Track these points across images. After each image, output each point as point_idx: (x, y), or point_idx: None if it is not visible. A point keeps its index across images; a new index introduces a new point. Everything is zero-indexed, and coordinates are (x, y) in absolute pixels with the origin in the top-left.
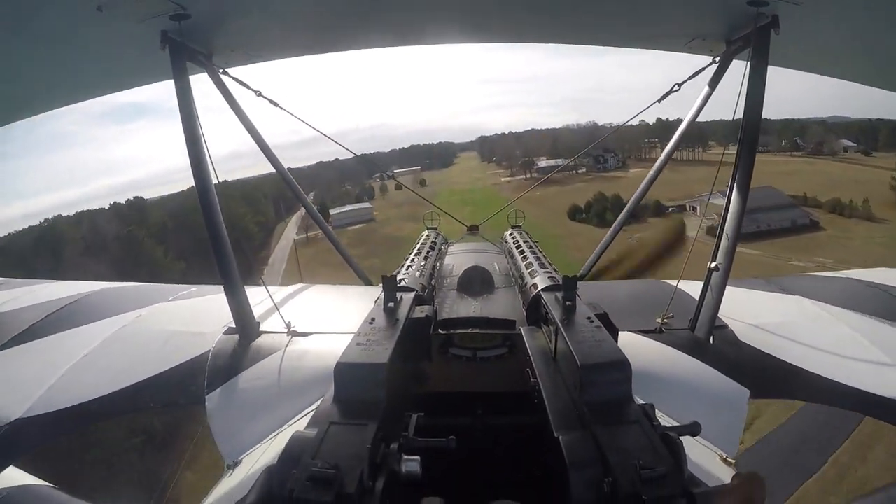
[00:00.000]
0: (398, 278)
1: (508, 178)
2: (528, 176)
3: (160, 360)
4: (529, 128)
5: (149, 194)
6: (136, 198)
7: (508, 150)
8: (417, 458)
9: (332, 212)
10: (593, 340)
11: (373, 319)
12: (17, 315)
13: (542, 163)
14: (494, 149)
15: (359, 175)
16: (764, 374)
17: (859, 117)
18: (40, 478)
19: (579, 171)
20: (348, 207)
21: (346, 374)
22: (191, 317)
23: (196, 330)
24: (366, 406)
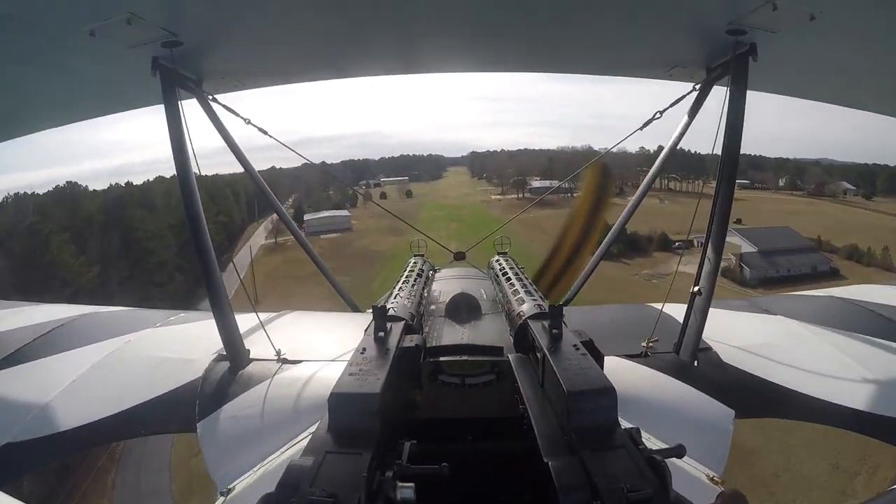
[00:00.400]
0: (387, 307)
1: (499, 197)
2: (521, 196)
3: (150, 387)
4: (522, 147)
5: (93, 183)
6: (68, 183)
7: (500, 168)
8: (412, 485)
9: (306, 217)
10: (579, 368)
11: (364, 349)
12: (4, 338)
13: (536, 183)
14: (485, 165)
15: (344, 181)
16: (748, 395)
17: (849, 161)
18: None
19: (575, 195)
20: (324, 214)
21: (341, 403)
22: (180, 343)
23: (186, 356)
24: (360, 435)
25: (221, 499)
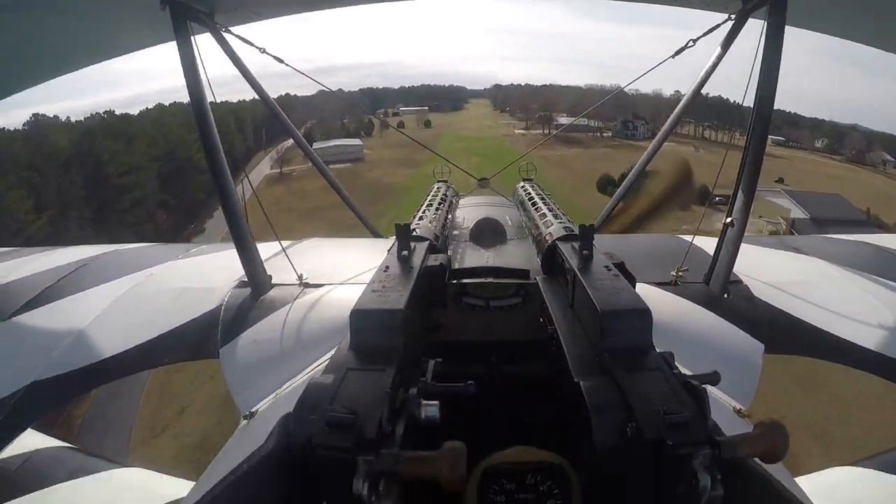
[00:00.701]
0: (411, 228)
1: (523, 131)
2: (547, 132)
3: (172, 317)
4: (549, 83)
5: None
6: (34, 116)
7: (524, 102)
8: (436, 403)
9: (315, 146)
10: (612, 288)
11: (387, 267)
12: (28, 282)
13: (563, 119)
14: (509, 98)
15: (361, 108)
16: (778, 330)
17: (884, 131)
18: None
19: (604, 135)
20: (335, 142)
21: (363, 320)
22: (201, 273)
23: (207, 285)
24: (383, 352)
25: (244, 422)
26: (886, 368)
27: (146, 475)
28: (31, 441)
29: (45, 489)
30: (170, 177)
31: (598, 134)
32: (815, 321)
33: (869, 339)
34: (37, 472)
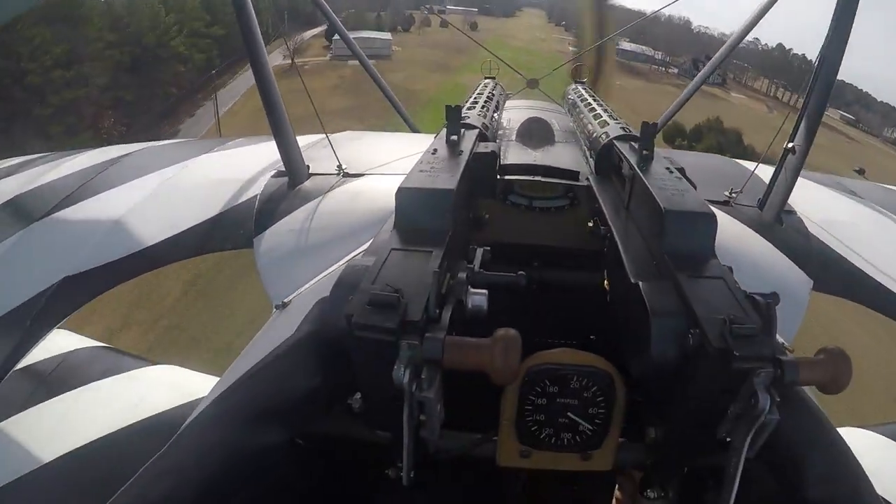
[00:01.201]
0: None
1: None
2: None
3: (208, 207)
4: (616, 1)
5: None
6: None
7: (583, 18)
8: (485, 292)
9: (334, 38)
10: (675, 189)
11: (435, 150)
12: (60, 183)
13: (626, 45)
14: (567, 12)
15: (406, 3)
16: (829, 269)
17: None
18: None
19: (670, 71)
20: (360, 34)
21: (410, 199)
22: (237, 164)
23: (243, 176)
24: (430, 233)
25: (276, 312)
26: None
27: (178, 372)
28: (66, 342)
29: (80, 387)
30: (136, 68)
31: (664, 69)
32: (865, 268)
33: None
34: (72, 372)
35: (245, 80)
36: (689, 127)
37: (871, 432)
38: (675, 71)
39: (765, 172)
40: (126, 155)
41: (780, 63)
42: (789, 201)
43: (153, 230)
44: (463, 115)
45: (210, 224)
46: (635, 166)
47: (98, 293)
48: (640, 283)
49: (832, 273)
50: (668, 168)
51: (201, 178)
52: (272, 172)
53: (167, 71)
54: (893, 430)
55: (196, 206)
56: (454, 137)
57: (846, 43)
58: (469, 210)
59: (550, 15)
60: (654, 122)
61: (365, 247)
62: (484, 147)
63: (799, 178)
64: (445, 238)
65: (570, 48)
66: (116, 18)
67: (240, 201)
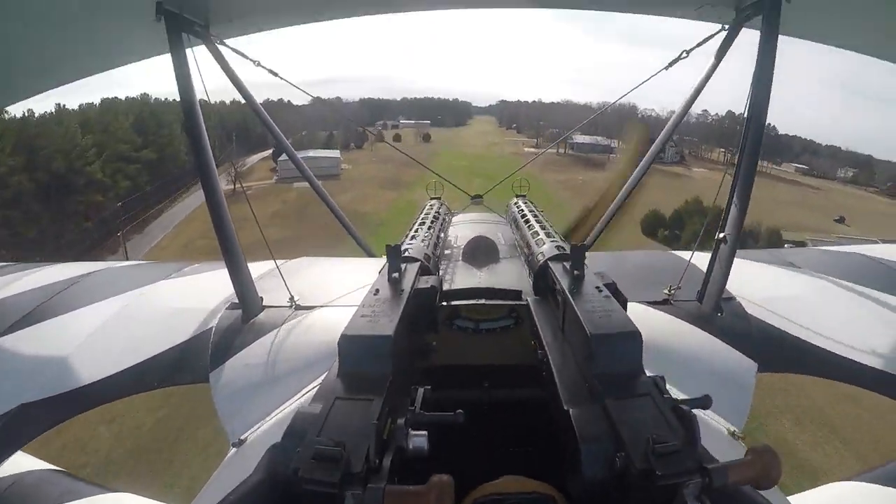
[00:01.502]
0: (402, 248)
1: (533, 149)
2: (563, 152)
3: (163, 339)
4: (560, 101)
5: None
6: None
7: (533, 119)
8: (425, 433)
9: (280, 159)
10: (603, 310)
11: (377, 290)
12: (18, 300)
13: (579, 138)
14: (517, 115)
15: (358, 120)
16: (772, 348)
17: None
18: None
19: (618, 154)
20: (307, 153)
21: (351, 346)
22: (192, 293)
23: (198, 306)
24: (371, 380)
25: (233, 450)
26: (881, 384)
27: (135, 501)
28: (20, 463)
29: None
30: (44, 197)
31: (613, 154)
32: (809, 338)
33: (863, 354)
34: (25, 496)
35: (183, 208)
36: (668, 213)
37: (858, 483)
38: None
39: (705, 259)
40: (86, 275)
41: (732, 130)
42: (728, 287)
43: (112, 361)
44: (405, 247)
45: (167, 357)
46: (566, 290)
47: (57, 422)
48: (571, 410)
49: (776, 351)
50: (597, 287)
51: (158, 307)
52: (227, 304)
53: (83, 200)
54: (879, 475)
55: (153, 337)
56: (395, 275)
57: (765, 117)
58: (414, 343)
59: (500, 120)
60: (584, 243)
61: (317, 381)
62: (424, 282)
63: (736, 259)
64: (385, 383)
65: (526, 149)
66: (26, 139)
67: (195, 333)
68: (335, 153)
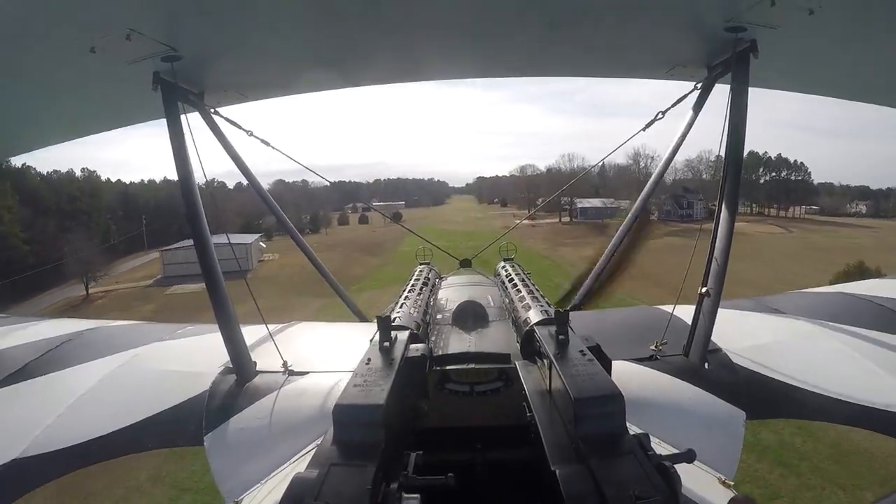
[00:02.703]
0: (392, 317)
1: (530, 222)
2: (571, 219)
3: (157, 400)
4: (548, 168)
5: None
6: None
7: (515, 190)
8: (417, 496)
9: (169, 248)
10: (586, 374)
11: (369, 360)
12: (11, 353)
13: (585, 202)
14: (496, 189)
15: (330, 202)
16: (760, 395)
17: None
18: None
19: (655, 217)
20: (213, 240)
21: (345, 415)
22: (187, 356)
23: (193, 370)
24: (365, 447)
25: None
26: (871, 420)
27: None
28: None
29: None
30: None
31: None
32: (798, 382)
33: (853, 392)
34: None
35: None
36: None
37: None
38: (655, 216)
39: (690, 312)
40: (79, 333)
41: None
42: (714, 338)
43: (105, 420)
44: (395, 315)
45: (161, 419)
46: (551, 355)
47: (50, 479)
48: (557, 471)
49: (763, 398)
50: (581, 351)
51: (152, 369)
52: (221, 368)
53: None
54: None
55: (147, 398)
56: (386, 344)
57: (741, 168)
58: (406, 409)
59: (479, 197)
60: (567, 309)
61: (311, 446)
62: (415, 350)
63: (720, 310)
64: (378, 450)
65: (520, 220)
66: None
67: (190, 396)
68: (248, 238)
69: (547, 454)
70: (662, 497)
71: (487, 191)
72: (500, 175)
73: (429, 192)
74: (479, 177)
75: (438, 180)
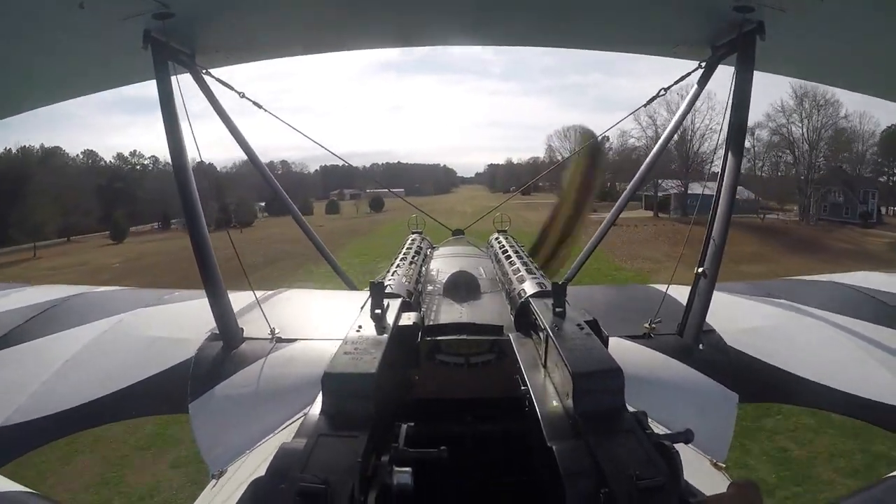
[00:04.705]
0: (385, 284)
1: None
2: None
3: (142, 367)
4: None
5: None
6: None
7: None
8: (409, 469)
9: None
10: (584, 348)
11: (360, 327)
12: None
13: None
14: (513, 177)
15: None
16: (752, 379)
17: None
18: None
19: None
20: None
21: (335, 384)
22: (173, 322)
23: (178, 336)
24: (355, 417)
25: (213, 482)
26: (861, 409)
27: None
28: None
29: None
30: None
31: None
32: (788, 367)
33: (842, 381)
34: None
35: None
36: None
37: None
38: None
39: (684, 292)
40: (64, 299)
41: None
42: (707, 319)
43: (89, 388)
44: (387, 283)
45: (146, 385)
46: (548, 327)
47: (32, 447)
48: (554, 446)
49: (756, 381)
50: (579, 324)
51: (137, 335)
52: (207, 334)
53: None
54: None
55: (132, 365)
56: (378, 311)
57: (742, 151)
58: (396, 379)
59: (492, 186)
60: (565, 282)
61: (299, 415)
62: (407, 319)
63: (714, 293)
64: (369, 421)
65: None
66: None
67: (175, 363)
68: None
69: (543, 429)
70: (663, 477)
71: (502, 178)
72: (516, 161)
73: (434, 180)
74: (490, 164)
75: (445, 166)
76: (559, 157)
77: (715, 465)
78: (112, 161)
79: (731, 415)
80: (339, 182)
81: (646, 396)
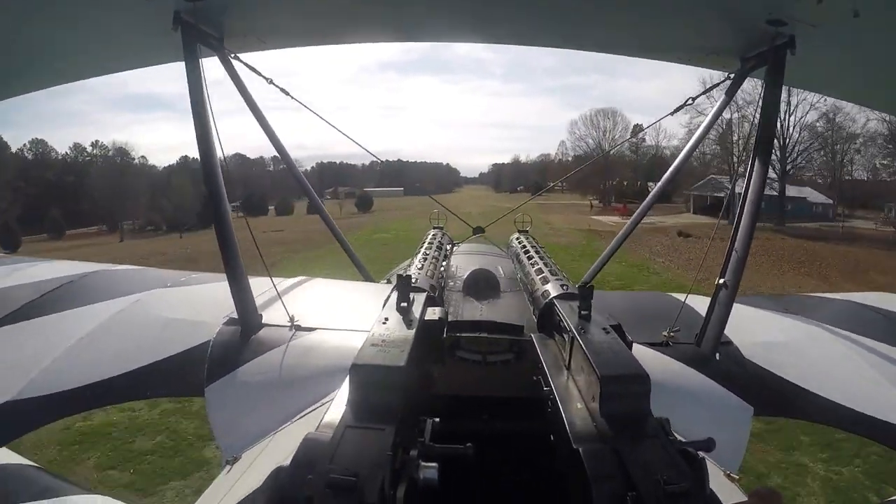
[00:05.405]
0: (411, 277)
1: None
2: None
3: (159, 348)
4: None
5: None
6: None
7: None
8: (436, 465)
9: None
10: (611, 352)
11: (386, 319)
12: (10, 293)
13: (804, 192)
14: (521, 176)
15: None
16: (768, 392)
17: None
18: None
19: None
20: None
21: (363, 376)
22: (191, 304)
23: (196, 319)
24: (383, 410)
25: (227, 468)
26: (874, 429)
27: None
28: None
29: None
30: None
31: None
32: (804, 383)
33: (855, 399)
34: (1, 490)
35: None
36: None
37: None
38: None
39: (702, 302)
40: (82, 275)
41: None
42: (726, 331)
43: (102, 365)
44: (413, 277)
45: (161, 367)
46: (574, 330)
47: (41, 424)
48: (581, 449)
49: (771, 395)
50: (604, 328)
51: (154, 316)
52: (225, 318)
53: None
54: None
55: (148, 345)
56: (404, 304)
57: (768, 163)
58: (419, 375)
59: (497, 186)
60: (591, 284)
61: (317, 405)
62: (432, 313)
63: (734, 304)
64: (397, 415)
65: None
66: None
67: (192, 346)
68: None
69: (568, 431)
70: (690, 483)
71: (508, 178)
72: (523, 160)
73: (435, 179)
74: (495, 163)
75: (448, 165)
76: (583, 146)
77: (728, 476)
78: (68, 153)
79: (745, 427)
80: (333, 180)
81: (663, 403)
